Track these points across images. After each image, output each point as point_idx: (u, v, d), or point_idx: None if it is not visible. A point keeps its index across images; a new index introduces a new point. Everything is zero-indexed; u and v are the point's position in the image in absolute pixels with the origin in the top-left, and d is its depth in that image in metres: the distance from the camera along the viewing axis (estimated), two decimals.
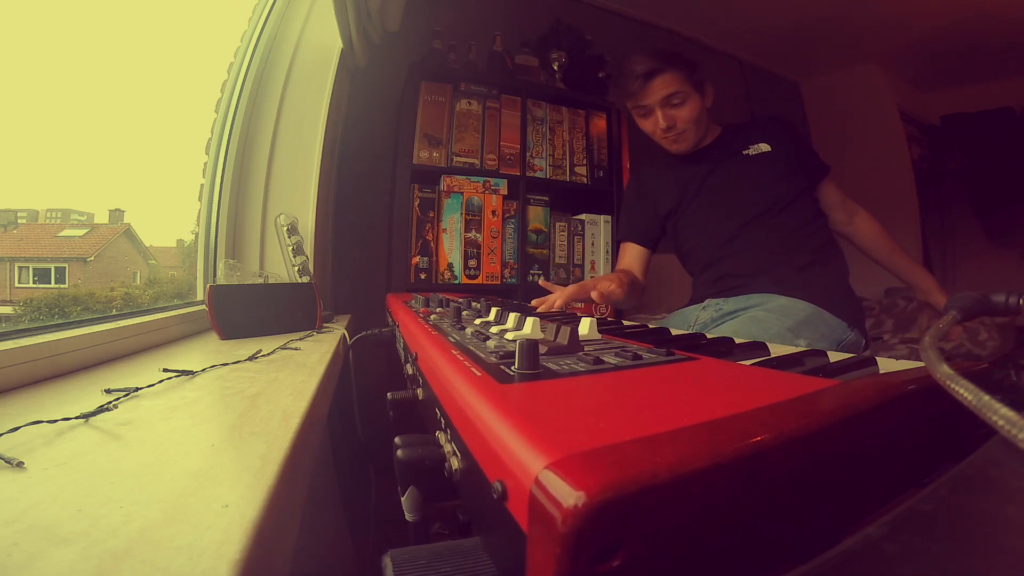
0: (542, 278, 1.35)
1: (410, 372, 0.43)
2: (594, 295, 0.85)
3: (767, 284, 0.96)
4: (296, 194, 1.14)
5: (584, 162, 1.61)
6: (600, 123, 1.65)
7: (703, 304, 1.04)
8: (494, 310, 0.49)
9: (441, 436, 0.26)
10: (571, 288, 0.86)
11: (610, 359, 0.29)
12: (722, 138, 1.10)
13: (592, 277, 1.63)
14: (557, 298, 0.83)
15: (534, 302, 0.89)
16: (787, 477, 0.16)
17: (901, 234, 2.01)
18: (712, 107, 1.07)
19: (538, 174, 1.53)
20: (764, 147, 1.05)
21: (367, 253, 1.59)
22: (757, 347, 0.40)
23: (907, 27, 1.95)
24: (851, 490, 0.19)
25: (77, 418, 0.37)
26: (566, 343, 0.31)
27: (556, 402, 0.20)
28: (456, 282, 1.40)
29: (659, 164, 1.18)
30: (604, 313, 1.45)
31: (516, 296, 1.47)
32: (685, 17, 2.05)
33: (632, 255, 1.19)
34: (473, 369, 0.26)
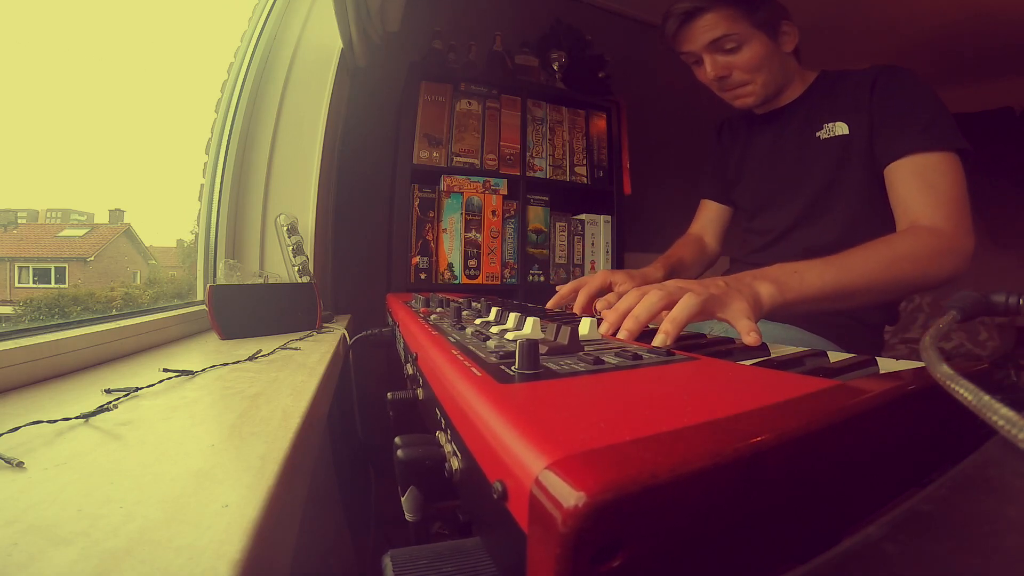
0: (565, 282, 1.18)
1: (410, 372, 0.43)
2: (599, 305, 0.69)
3: (788, 316, 0.74)
4: (296, 194, 1.14)
5: (584, 162, 1.61)
6: (600, 123, 1.65)
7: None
8: (494, 310, 0.49)
9: (441, 436, 0.26)
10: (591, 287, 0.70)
11: (610, 359, 0.29)
12: (808, 98, 0.85)
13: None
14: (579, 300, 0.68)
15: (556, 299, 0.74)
16: (787, 477, 0.16)
17: None
18: (797, 51, 0.85)
19: (538, 174, 1.53)
20: (841, 128, 0.79)
21: (367, 253, 1.59)
22: (757, 348, 0.40)
23: (907, 27, 1.95)
24: (851, 490, 0.19)
25: (77, 418, 0.37)
26: (566, 343, 0.31)
27: (556, 402, 0.20)
28: (456, 282, 1.40)
29: (741, 116, 0.99)
30: None
31: (516, 296, 1.47)
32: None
33: (706, 216, 1.05)
34: (473, 369, 0.26)
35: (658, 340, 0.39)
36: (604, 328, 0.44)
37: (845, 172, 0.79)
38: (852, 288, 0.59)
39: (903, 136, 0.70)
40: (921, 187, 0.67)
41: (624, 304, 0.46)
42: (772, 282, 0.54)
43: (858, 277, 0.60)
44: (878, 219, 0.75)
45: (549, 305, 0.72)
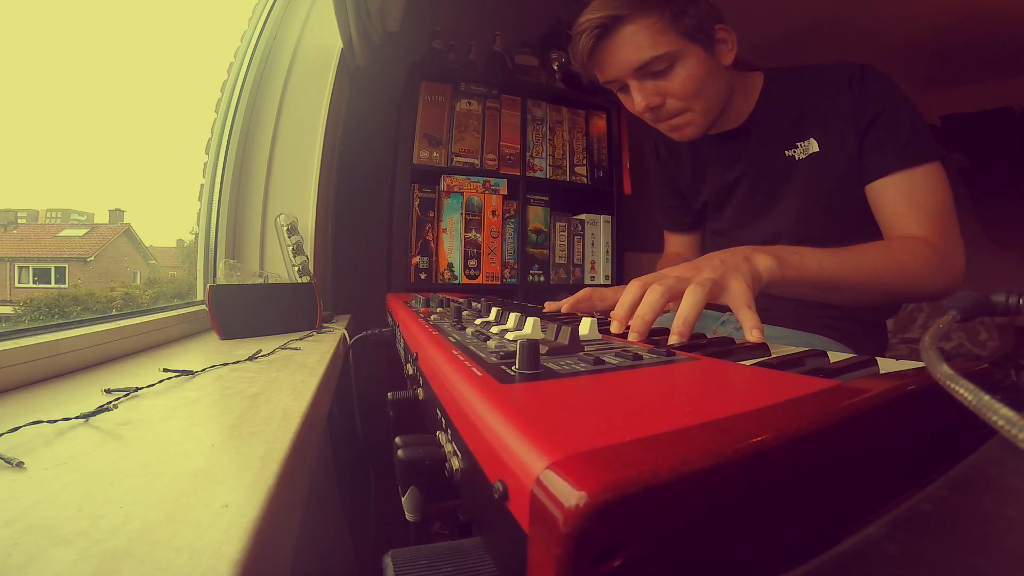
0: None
1: (410, 372, 0.43)
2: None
3: (791, 318, 0.74)
4: (296, 194, 1.14)
5: (584, 162, 1.61)
6: (600, 123, 1.65)
7: (721, 318, 0.84)
8: (494, 310, 0.49)
9: (442, 436, 0.26)
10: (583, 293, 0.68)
11: (611, 359, 0.29)
12: (762, 112, 0.75)
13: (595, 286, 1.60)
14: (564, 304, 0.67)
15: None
16: (788, 477, 0.16)
17: None
18: (736, 63, 0.72)
19: (538, 174, 1.53)
20: (813, 145, 0.72)
21: (367, 253, 1.59)
22: (758, 347, 0.40)
23: (907, 27, 1.95)
24: (851, 490, 0.19)
25: (77, 418, 0.37)
26: (567, 343, 0.31)
27: (557, 402, 0.20)
28: (456, 282, 1.40)
29: None
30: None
31: (516, 296, 1.47)
32: None
33: (676, 243, 1.01)
34: (474, 369, 0.26)
35: (673, 340, 0.40)
36: (615, 327, 0.44)
37: (827, 192, 0.73)
38: (846, 282, 0.58)
39: (886, 153, 0.66)
40: (910, 206, 0.65)
41: (628, 299, 0.45)
42: (773, 256, 0.52)
43: (854, 273, 0.58)
44: (863, 235, 0.71)
45: (566, 309, 0.66)
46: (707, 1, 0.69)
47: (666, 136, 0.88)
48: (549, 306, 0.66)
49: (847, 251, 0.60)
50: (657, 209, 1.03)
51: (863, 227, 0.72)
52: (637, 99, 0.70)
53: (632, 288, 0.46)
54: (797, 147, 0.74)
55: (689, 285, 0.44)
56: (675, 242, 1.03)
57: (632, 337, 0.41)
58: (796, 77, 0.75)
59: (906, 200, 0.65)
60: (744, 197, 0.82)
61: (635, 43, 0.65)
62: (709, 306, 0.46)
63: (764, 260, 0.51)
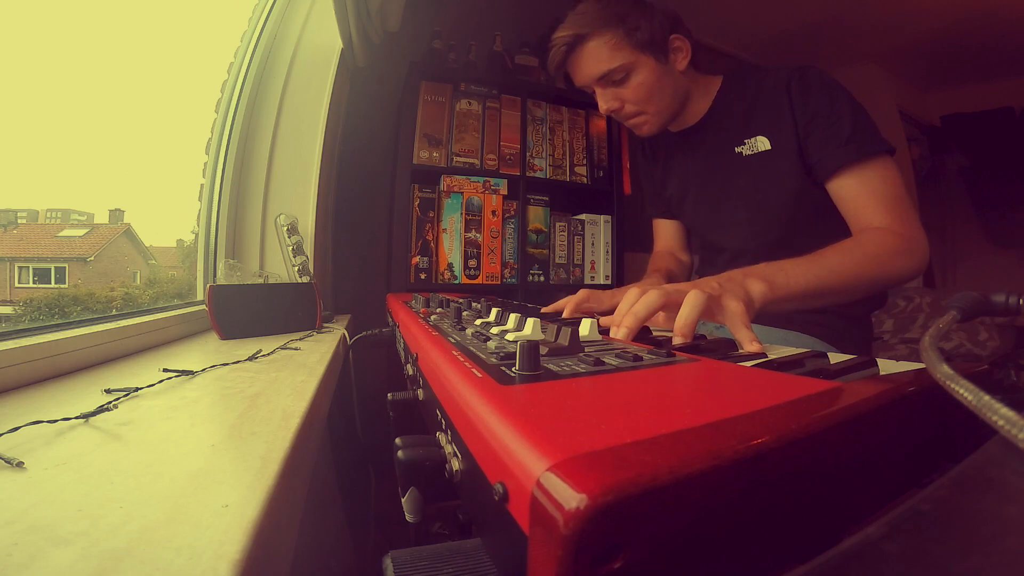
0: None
1: (410, 372, 0.43)
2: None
3: (773, 315, 0.74)
4: (296, 194, 1.14)
5: (584, 162, 1.61)
6: (600, 123, 1.65)
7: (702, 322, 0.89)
8: (494, 311, 0.49)
9: (442, 437, 0.26)
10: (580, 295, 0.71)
11: (611, 360, 0.29)
12: (718, 111, 0.82)
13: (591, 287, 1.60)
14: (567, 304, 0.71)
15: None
16: (788, 479, 0.16)
17: None
18: (691, 67, 0.80)
19: (538, 174, 1.53)
20: (763, 143, 0.77)
21: (367, 253, 1.59)
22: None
23: (907, 27, 1.95)
24: (851, 491, 0.19)
25: (77, 418, 0.37)
26: (567, 344, 0.31)
27: (557, 404, 0.20)
28: (456, 282, 1.40)
29: None
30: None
31: (516, 296, 1.47)
32: (684, 17, 2.05)
33: (665, 233, 1.05)
34: (474, 370, 0.26)
35: (677, 341, 0.40)
36: (613, 332, 0.44)
37: (776, 188, 0.77)
38: (832, 286, 0.61)
39: (833, 150, 0.70)
40: (867, 197, 0.70)
41: (624, 306, 0.46)
42: (762, 279, 0.55)
43: (837, 276, 0.62)
44: (809, 231, 0.76)
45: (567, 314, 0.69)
46: (662, 13, 0.77)
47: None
48: (547, 311, 0.68)
49: (825, 255, 0.63)
50: (646, 200, 1.08)
51: (813, 223, 0.77)
52: (600, 103, 0.81)
53: (631, 293, 0.47)
54: (745, 144, 0.80)
55: (691, 291, 0.44)
56: (664, 230, 1.06)
57: (620, 334, 0.42)
58: (748, 78, 0.82)
59: (864, 192, 0.70)
60: (699, 191, 0.89)
61: (596, 57, 0.76)
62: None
63: (756, 286, 0.54)
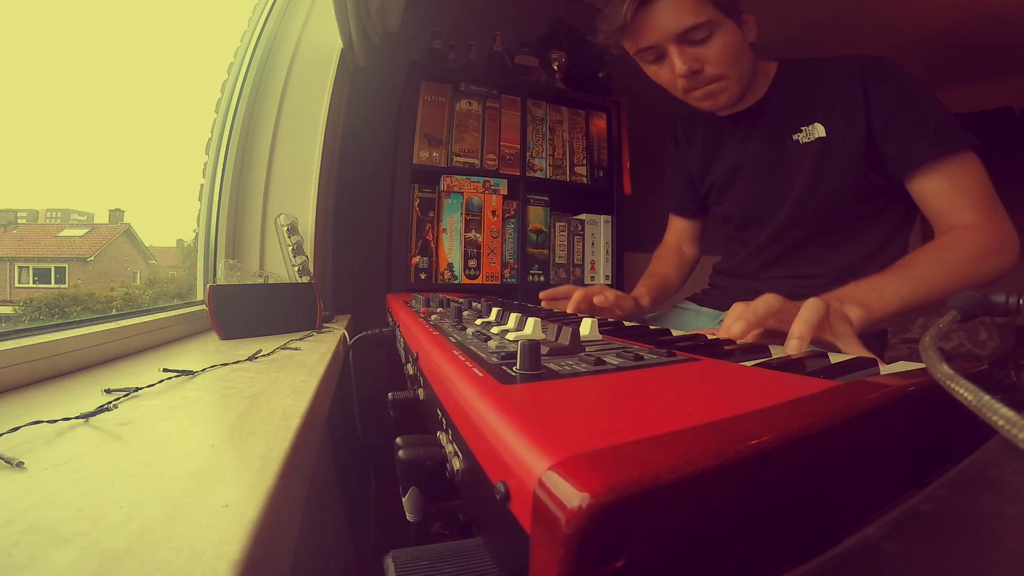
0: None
1: (411, 372, 0.43)
2: (597, 300, 0.74)
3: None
4: (296, 194, 1.14)
5: (584, 162, 1.61)
6: (600, 123, 1.65)
7: (720, 317, 0.86)
8: (495, 310, 0.49)
9: (442, 436, 0.26)
10: (582, 291, 0.74)
11: (612, 360, 0.29)
12: (774, 95, 0.78)
13: (592, 284, 1.61)
14: (573, 300, 0.73)
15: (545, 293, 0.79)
16: (789, 478, 0.16)
17: None
18: (755, 43, 0.76)
19: (538, 174, 1.53)
20: (818, 130, 0.73)
21: (367, 253, 1.59)
22: (759, 348, 0.40)
23: (907, 27, 1.95)
24: (851, 490, 0.19)
25: (77, 418, 0.37)
26: (567, 344, 0.31)
27: (558, 403, 0.20)
28: (456, 282, 1.40)
29: (695, 114, 0.91)
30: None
31: (516, 296, 1.47)
32: None
33: (678, 228, 1.05)
34: (474, 369, 0.26)
35: (792, 347, 0.39)
36: (729, 324, 0.45)
37: (828, 177, 0.75)
38: (926, 299, 0.59)
39: (918, 143, 0.67)
40: (953, 193, 0.67)
41: (735, 311, 0.46)
42: (858, 304, 0.53)
43: (931, 288, 0.60)
44: (865, 222, 0.75)
45: (544, 295, 0.72)
46: None
47: (684, 121, 0.96)
48: (545, 295, 0.71)
49: (914, 267, 0.61)
50: (668, 193, 1.06)
51: (857, 214, 0.75)
52: (678, 64, 0.71)
53: (738, 305, 0.47)
54: (802, 131, 0.76)
55: (810, 300, 0.44)
56: (677, 227, 1.06)
57: (737, 328, 0.43)
58: (809, 66, 0.78)
59: (950, 187, 0.67)
60: (750, 178, 0.84)
61: (678, 10, 0.68)
62: (708, 306, 0.47)
63: (855, 312, 0.52)
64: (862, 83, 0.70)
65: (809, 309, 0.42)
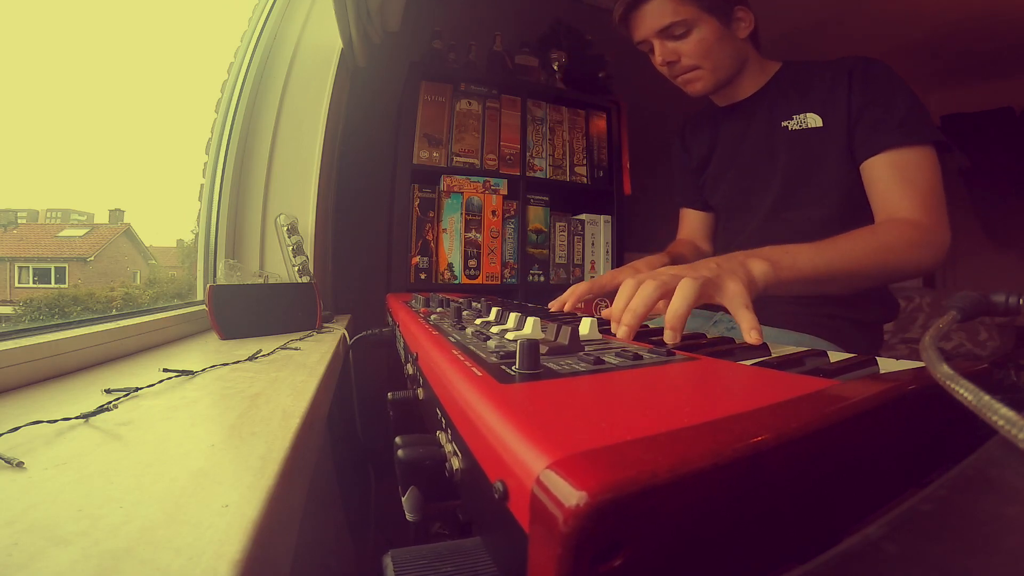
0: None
1: (410, 372, 0.43)
2: (604, 313, 0.71)
3: (783, 317, 0.76)
4: (296, 194, 1.15)
5: (584, 162, 1.61)
6: (600, 123, 1.65)
7: (714, 318, 0.87)
8: (494, 310, 0.49)
9: (442, 436, 0.26)
10: (583, 286, 0.71)
11: (611, 359, 0.29)
12: (772, 88, 0.84)
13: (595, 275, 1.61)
14: (568, 297, 0.71)
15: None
16: (787, 477, 0.16)
17: None
18: (756, 41, 0.84)
19: (538, 174, 1.53)
20: (813, 120, 0.77)
21: (367, 253, 1.59)
22: (758, 347, 0.40)
23: (908, 28, 1.95)
24: (851, 490, 0.19)
25: (77, 418, 0.37)
26: (567, 343, 0.31)
27: (557, 402, 0.20)
28: (456, 282, 1.40)
29: (703, 112, 0.98)
30: None
31: (516, 296, 1.47)
32: None
33: (689, 223, 1.05)
34: (474, 369, 0.26)
35: (667, 337, 0.39)
36: (614, 327, 0.44)
37: (819, 166, 0.77)
38: (839, 272, 0.60)
39: (881, 131, 0.70)
40: (900, 182, 0.68)
41: (621, 300, 0.46)
42: (765, 260, 0.53)
43: (845, 262, 0.60)
44: (852, 215, 0.74)
45: (567, 308, 0.70)
46: None
47: (692, 120, 1.02)
48: (553, 306, 0.69)
49: (836, 241, 0.62)
50: (676, 188, 1.09)
51: (844, 207, 0.76)
52: (657, 55, 0.82)
53: (626, 287, 0.47)
54: (793, 119, 0.80)
55: (682, 280, 0.44)
56: (689, 220, 1.06)
57: (621, 332, 0.41)
58: (809, 67, 0.83)
59: (896, 176, 0.69)
60: (740, 164, 0.88)
61: (659, 11, 0.78)
62: (704, 306, 0.47)
63: (759, 265, 0.52)
64: (848, 79, 0.75)
65: (679, 296, 0.42)
